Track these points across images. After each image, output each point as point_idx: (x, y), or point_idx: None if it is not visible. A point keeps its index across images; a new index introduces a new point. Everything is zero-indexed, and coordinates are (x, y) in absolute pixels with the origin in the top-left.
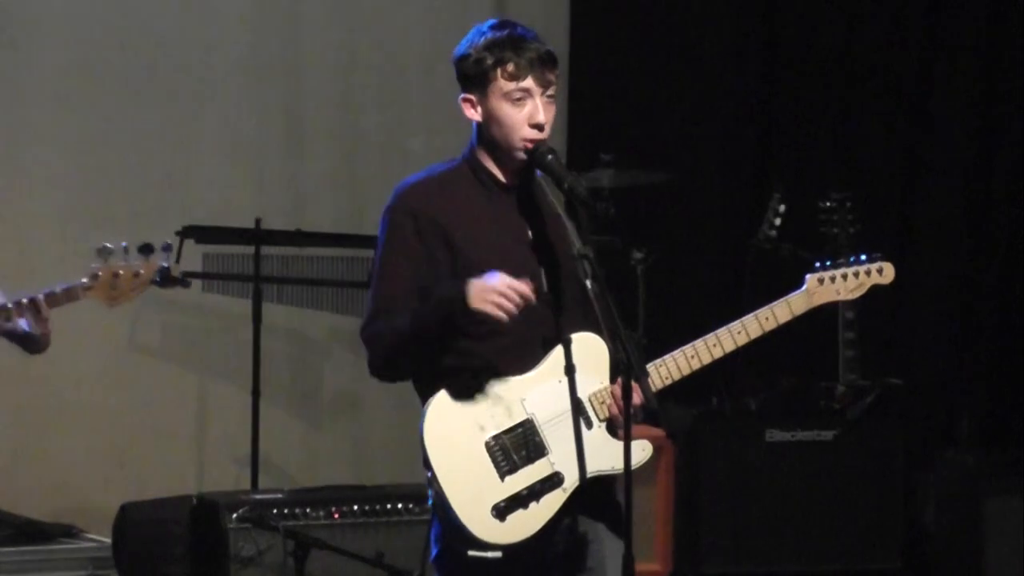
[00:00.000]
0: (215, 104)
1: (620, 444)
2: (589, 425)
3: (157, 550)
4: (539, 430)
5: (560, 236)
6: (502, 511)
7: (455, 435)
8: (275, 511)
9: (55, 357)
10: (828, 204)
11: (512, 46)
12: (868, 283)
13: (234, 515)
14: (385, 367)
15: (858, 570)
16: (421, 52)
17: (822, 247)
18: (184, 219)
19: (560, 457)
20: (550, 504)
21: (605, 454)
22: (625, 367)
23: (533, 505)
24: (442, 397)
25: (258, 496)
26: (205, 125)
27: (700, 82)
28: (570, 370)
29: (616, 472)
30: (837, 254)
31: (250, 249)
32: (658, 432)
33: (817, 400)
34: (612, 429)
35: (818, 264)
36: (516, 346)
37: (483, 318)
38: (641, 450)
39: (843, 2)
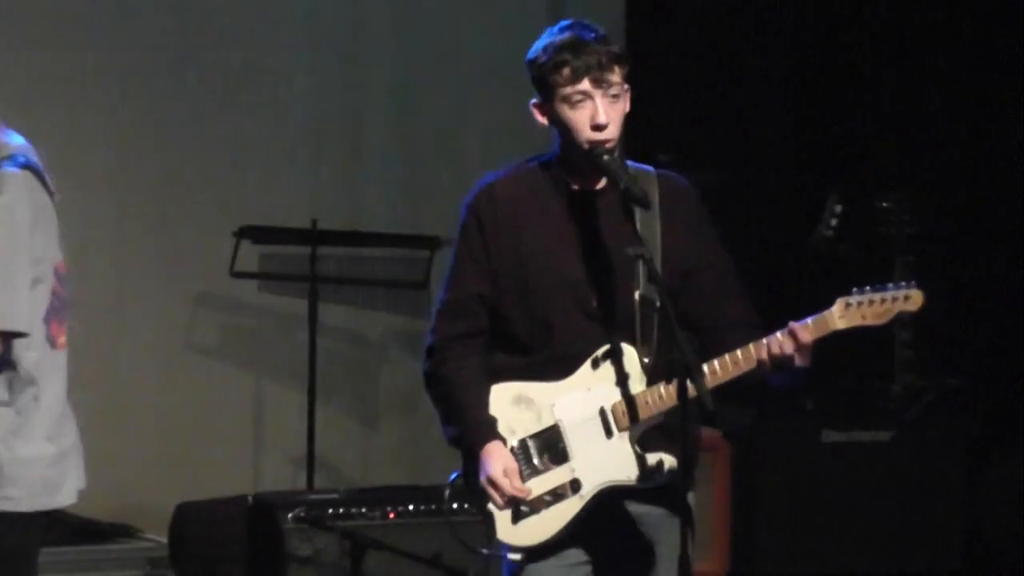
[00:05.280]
0: (272, 104)
1: (641, 454)
2: (609, 435)
3: (213, 550)
4: (564, 436)
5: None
6: (519, 514)
7: None
8: (331, 511)
9: (112, 357)
10: (886, 204)
11: (571, 48)
12: (895, 309)
13: (290, 515)
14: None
15: (917, 571)
16: (479, 53)
17: (879, 248)
18: (241, 220)
19: (581, 464)
20: (566, 510)
21: (621, 464)
22: (681, 368)
23: (547, 511)
24: None
25: (314, 496)
26: (262, 125)
27: (758, 81)
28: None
29: (631, 484)
30: (894, 254)
31: (307, 249)
32: (714, 433)
33: (873, 400)
34: (643, 441)
35: (855, 289)
36: (564, 358)
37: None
38: (658, 461)
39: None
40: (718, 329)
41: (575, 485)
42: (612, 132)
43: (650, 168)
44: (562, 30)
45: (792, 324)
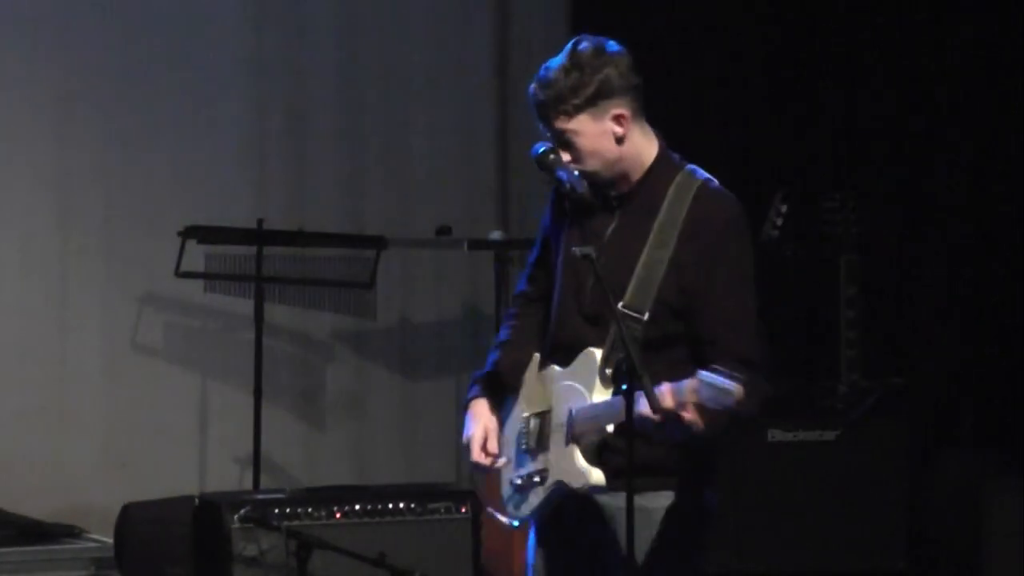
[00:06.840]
0: (217, 104)
1: (579, 464)
2: (567, 439)
3: (159, 550)
4: (551, 425)
5: (636, 249)
6: (514, 487)
7: (517, 398)
8: (277, 511)
9: (57, 358)
10: (831, 203)
11: (535, 82)
12: (724, 402)
13: (236, 515)
14: None
15: (861, 570)
16: (423, 52)
17: (824, 247)
18: (186, 219)
19: (552, 456)
20: (534, 497)
21: (568, 469)
22: (628, 370)
23: (521, 494)
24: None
25: (260, 496)
26: (207, 125)
27: (702, 80)
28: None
29: (573, 489)
30: (838, 254)
31: (252, 249)
32: None
33: (819, 400)
34: (589, 449)
35: (716, 367)
36: (561, 350)
37: None
38: (586, 475)
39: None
40: (708, 361)
41: (543, 475)
42: (577, 166)
43: (704, 177)
44: (564, 51)
45: (664, 385)
